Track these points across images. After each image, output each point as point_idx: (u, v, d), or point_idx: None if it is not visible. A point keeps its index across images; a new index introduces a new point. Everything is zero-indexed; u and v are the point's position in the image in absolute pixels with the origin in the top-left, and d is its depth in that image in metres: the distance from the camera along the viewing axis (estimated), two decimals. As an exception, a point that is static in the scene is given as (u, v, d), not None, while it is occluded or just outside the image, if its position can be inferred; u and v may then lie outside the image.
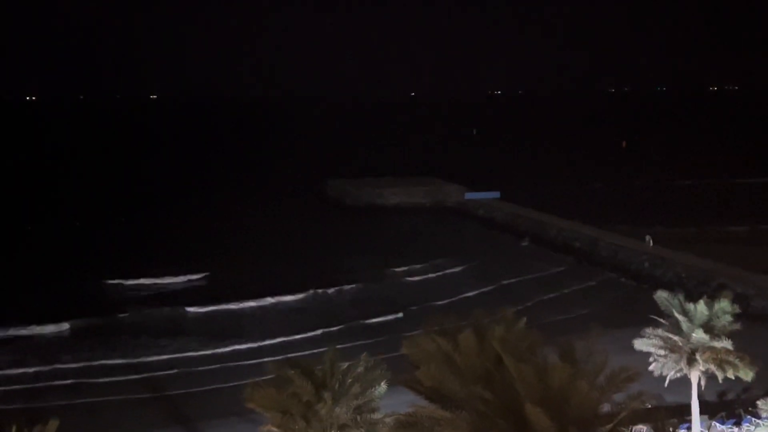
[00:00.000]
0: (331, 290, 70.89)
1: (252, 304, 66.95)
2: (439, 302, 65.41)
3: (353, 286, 72.50)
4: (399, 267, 78.27)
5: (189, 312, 65.39)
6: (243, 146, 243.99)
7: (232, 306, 66.43)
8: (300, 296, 69.06)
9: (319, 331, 58.27)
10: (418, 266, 78.76)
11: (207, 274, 77.03)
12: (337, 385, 26.09)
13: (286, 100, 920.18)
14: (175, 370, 52.07)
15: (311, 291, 70.03)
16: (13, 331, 59.79)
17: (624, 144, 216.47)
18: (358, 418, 25.71)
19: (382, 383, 26.55)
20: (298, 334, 57.95)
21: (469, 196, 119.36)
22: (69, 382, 50.56)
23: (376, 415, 26.06)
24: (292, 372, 25.94)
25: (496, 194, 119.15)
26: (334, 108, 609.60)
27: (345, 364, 26.90)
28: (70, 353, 55.21)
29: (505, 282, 72.51)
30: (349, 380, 26.44)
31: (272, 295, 68.57)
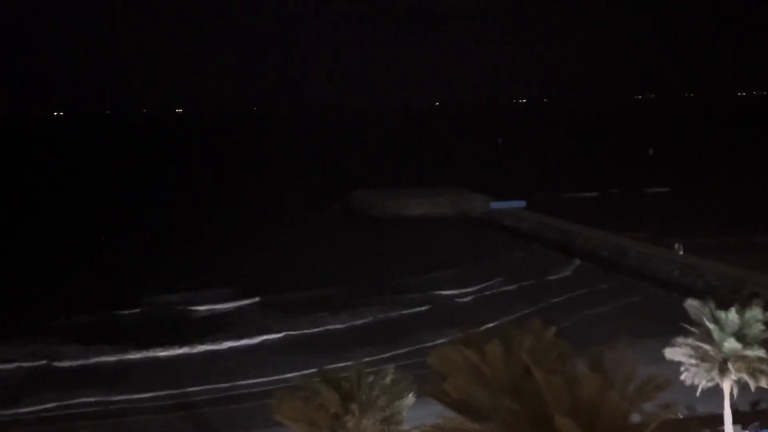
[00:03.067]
0: (390, 314, 68.65)
1: (314, 330, 64.61)
2: (500, 320, 61.66)
3: (421, 309, 70.42)
4: (450, 289, 76.42)
5: (244, 340, 62.27)
6: (266, 159, 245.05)
7: (291, 333, 63.74)
8: (362, 321, 66.79)
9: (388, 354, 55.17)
10: (475, 288, 76.88)
11: (258, 299, 73.88)
12: (364, 397, 26.02)
13: (310, 111, 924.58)
14: (219, 396, 50.45)
15: (372, 317, 67.86)
16: (44, 358, 57.72)
17: (650, 151, 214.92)
18: (386, 429, 25.64)
19: (410, 395, 26.46)
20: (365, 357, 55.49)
21: (495, 205, 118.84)
22: (111, 408, 48.84)
23: (404, 427, 25.98)
24: (320, 384, 25.94)
25: (521, 203, 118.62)
26: (357, 119, 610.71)
27: (371, 376, 26.82)
28: (102, 383, 52.85)
29: (555, 300, 70.94)
30: (376, 392, 26.37)
31: (333, 320, 66.44)
